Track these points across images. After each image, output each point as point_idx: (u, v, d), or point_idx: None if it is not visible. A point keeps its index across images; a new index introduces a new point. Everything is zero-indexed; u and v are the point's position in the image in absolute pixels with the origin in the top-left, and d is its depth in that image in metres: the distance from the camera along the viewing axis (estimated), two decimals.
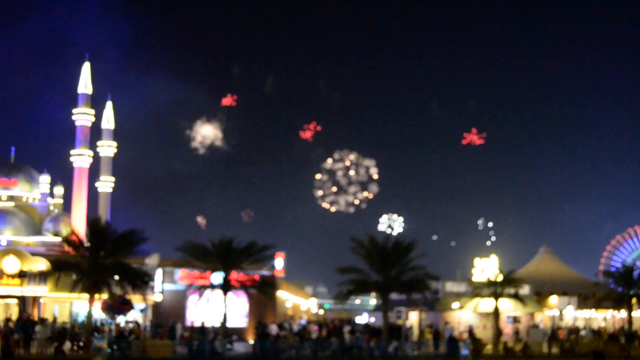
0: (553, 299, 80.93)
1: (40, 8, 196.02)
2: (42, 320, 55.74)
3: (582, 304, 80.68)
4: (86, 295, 51.81)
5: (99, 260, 51.50)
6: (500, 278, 67.66)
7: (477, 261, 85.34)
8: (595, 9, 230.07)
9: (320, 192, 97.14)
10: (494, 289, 64.99)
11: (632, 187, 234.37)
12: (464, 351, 55.03)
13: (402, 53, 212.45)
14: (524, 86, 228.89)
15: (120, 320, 55.66)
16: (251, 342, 56.22)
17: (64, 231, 70.42)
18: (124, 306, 52.82)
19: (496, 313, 65.11)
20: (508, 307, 68.58)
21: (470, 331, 62.49)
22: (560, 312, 79.76)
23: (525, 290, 71.76)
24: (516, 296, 66.92)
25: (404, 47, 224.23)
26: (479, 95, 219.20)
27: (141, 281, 53.46)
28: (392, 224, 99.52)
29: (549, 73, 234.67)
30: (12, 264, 62.83)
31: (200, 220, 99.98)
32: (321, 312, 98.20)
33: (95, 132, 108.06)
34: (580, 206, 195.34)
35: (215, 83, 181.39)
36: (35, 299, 63.19)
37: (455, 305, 75.04)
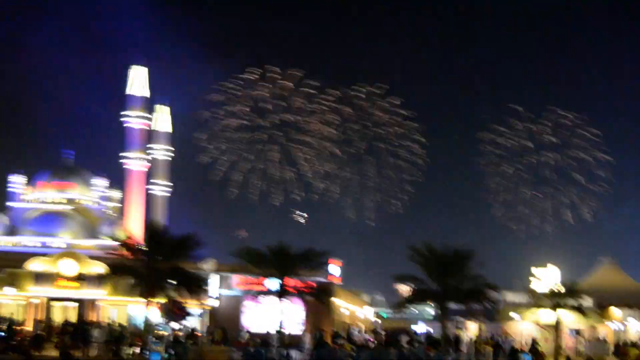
0: (617, 312, 79.39)
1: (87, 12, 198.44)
2: (100, 324, 56.36)
3: None
4: (143, 299, 52.18)
5: (156, 264, 51.67)
6: (561, 288, 66.69)
7: (535, 270, 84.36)
8: None
9: None
10: (556, 300, 63.98)
11: None
12: None
13: None
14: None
15: (176, 325, 56.04)
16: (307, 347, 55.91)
17: (121, 235, 71.16)
18: (181, 312, 53.19)
19: (557, 325, 64.14)
20: (569, 319, 67.52)
21: (533, 344, 61.39)
22: (625, 325, 78.17)
23: (587, 302, 70.54)
24: (578, 308, 65.84)
25: None
26: None
27: (197, 286, 53.57)
28: None
29: None
30: (70, 267, 63.71)
31: (242, 233, 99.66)
32: (379, 320, 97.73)
33: (150, 134, 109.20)
34: None
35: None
36: (93, 302, 63.94)
37: (515, 316, 74.14)
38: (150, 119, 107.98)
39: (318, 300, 60.86)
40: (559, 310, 63.84)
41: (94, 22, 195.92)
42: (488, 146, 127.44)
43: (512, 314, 74.47)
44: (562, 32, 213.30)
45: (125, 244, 55.37)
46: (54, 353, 46.80)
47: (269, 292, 57.12)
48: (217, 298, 67.41)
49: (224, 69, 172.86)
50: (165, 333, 53.85)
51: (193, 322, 62.14)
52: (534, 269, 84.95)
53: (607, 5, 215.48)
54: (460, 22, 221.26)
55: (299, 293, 57.95)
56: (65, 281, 63.34)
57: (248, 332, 59.06)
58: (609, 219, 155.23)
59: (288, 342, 54.47)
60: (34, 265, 64.29)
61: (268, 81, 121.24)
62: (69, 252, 67.76)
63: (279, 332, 54.57)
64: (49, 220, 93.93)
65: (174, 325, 55.56)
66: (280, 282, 55.84)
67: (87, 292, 63.52)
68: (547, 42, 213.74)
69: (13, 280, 63.01)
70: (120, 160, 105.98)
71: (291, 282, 56.35)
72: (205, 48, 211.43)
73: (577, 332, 70.69)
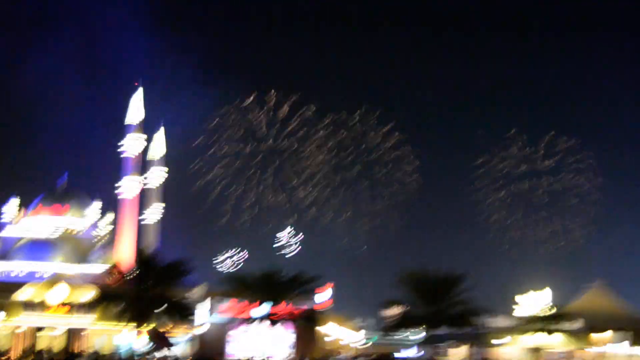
0: (606, 335, 79.47)
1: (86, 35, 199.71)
2: (85, 352, 56.37)
3: (637, 339, 79.08)
4: (131, 326, 52.17)
5: (146, 290, 51.74)
6: (550, 312, 67.02)
7: (524, 295, 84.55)
8: None
9: None
10: (543, 324, 64.08)
11: None
12: None
13: None
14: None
15: (161, 353, 55.93)
16: None
17: (111, 261, 71.22)
18: (163, 341, 53.21)
19: (543, 350, 64.38)
20: (557, 342, 67.60)
21: None
22: (613, 348, 78.25)
23: (576, 325, 70.69)
24: (567, 332, 66.03)
25: None
26: None
27: (185, 314, 53.65)
28: None
29: None
30: (59, 294, 63.75)
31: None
32: (369, 346, 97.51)
33: (144, 158, 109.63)
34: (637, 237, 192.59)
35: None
36: (81, 331, 63.87)
37: (503, 341, 74.21)
38: (145, 141, 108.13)
39: (307, 327, 60.99)
40: (545, 334, 64.08)
41: (92, 48, 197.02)
42: (482, 169, 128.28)
43: (498, 340, 74.68)
44: (558, 58, 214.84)
45: (114, 271, 55.58)
46: None
47: (254, 319, 57.09)
48: (204, 324, 67.47)
49: (221, 93, 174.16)
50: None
51: (180, 348, 62.16)
52: (517, 297, 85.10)
53: (604, 32, 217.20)
54: (459, 47, 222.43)
55: (289, 319, 58.07)
56: (55, 308, 63.32)
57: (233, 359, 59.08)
58: (601, 242, 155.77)
59: None
60: (23, 294, 64.29)
61: (263, 106, 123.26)
62: (58, 279, 67.73)
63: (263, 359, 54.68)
64: (38, 247, 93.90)
65: (159, 354, 55.44)
66: (269, 307, 55.94)
67: (75, 321, 63.54)
68: (543, 66, 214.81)
69: (2, 309, 62.99)
70: (115, 187, 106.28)
71: (280, 307, 56.45)
72: (202, 72, 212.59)
73: (565, 357, 70.79)
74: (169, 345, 54.53)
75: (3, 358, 52.92)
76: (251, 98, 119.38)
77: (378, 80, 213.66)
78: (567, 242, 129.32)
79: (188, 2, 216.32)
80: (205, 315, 67.79)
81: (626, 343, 78.91)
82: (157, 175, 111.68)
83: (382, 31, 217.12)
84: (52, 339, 64.47)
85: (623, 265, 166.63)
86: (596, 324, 79.66)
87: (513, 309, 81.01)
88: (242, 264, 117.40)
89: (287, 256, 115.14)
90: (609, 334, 79.05)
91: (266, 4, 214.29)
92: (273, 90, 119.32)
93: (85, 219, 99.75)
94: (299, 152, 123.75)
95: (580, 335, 70.99)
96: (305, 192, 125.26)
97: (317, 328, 64.89)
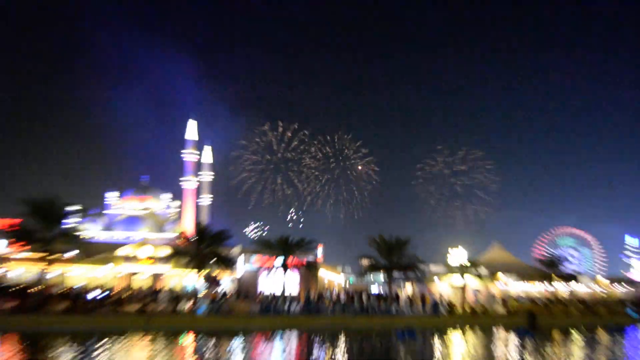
0: (502, 276, 79.96)
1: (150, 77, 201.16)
2: (164, 289, 56.56)
3: (521, 279, 79.67)
4: (193, 272, 52.45)
5: (201, 249, 51.97)
6: (467, 263, 67.38)
7: (450, 250, 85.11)
8: None
9: None
10: (463, 270, 64.64)
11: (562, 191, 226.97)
12: (442, 310, 54.70)
13: None
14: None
15: (214, 289, 56.24)
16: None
17: (179, 230, 71.41)
18: (214, 282, 53.55)
19: (463, 287, 64.72)
20: (472, 281, 68.12)
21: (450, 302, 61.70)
22: (507, 285, 78.82)
23: (483, 270, 71.21)
24: (478, 274, 66.49)
25: None
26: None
27: (228, 263, 53.91)
28: None
29: None
30: (145, 251, 63.96)
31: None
32: (348, 284, 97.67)
33: (198, 165, 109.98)
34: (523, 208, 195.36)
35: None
36: (160, 275, 64.11)
37: (436, 280, 74.61)
38: (199, 154, 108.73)
39: (308, 272, 61.31)
40: (465, 276, 64.59)
41: (162, 91, 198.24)
42: (421, 170, 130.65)
43: (435, 278, 75.02)
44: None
45: (181, 236, 55.83)
46: (133, 308, 46.89)
47: (276, 267, 57.41)
48: (242, 270, 67.69)
49: (248, 120, 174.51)
50: (207, 292, 53.92)
51: (226, 286, 62.44)
52: (449, 249, 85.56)
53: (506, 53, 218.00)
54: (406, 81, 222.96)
55: (296, 267, 58.43)
56: (142, 260, 63.54)
57: (262, 292, 59.13)
58: (497, 218, 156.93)
59: (289, 299, 54.90)
60: (121, 251, 64.50)
61: (275, 131, 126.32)
62: (145, 242, 67.91)
63: (282, 292, 54.95)
64: (131, 221, 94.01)
65: (212, 290, 55.73)
66: (284, 260, 56.29)
67: (157, 268, 63.70)
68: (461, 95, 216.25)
69: (108, 261, 63.19)
70: (180, 182, 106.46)
71: (290, 260, 56.80)
72: (233, 107, 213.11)
73: (476, 290, 71.24)
74: (218, 284, 54.81)
75: (111, 293, 52.80)
76: (266, 126, 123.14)
77: (352, 112, 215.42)
78: (475, 218, 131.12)
79: (225, 60, 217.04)
80: (242, 265, 67.96)
81: (512, 281, 79.64)
82: (207, 175, 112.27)
83: (350, 73, 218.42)
84: (141, 281, 64.61)
85: (511, 232, 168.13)
86: (495, 269, 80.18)
87: (445, 260, 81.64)
88: (264, 232, 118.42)
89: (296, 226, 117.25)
90: (503, 276, 79.69)
91: (272, 59, 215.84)
92: (280, 122, 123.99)
93: (161, 203, 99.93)
94: (299, 160, 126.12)
95: (485, 277, 71.52)
96: (303, 187, 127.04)
97: (316, 273, 64.88)
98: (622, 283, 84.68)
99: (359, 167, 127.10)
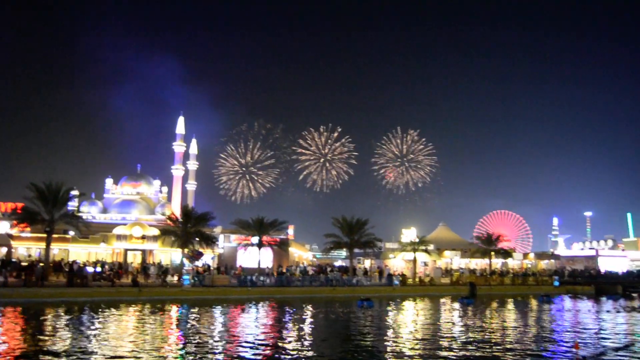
0: (447, 253, 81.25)
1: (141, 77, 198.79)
2: (154, 264, 56.06)
3: (464, 255, 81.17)
4: (179, 249, 52.03)
5: (187, 229, 51.62)
6: (417, 240, 68.19)
7: (404, 230, 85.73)
8: None
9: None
10: (413, 247, 65.43)
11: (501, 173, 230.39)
12: (396, 282, 55.45)
13: None
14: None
15: (197, 263, 55.92)
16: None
17: (167, 212, 70.66)
18: (198, 256, 53.15)
19: (414, 260, 65.58)
20: (421, 257, 69.07)
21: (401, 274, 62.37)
22: (451, 260, 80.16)
23: (431, 247, 72.23)
24: (426, 250, 67.36)
25: None
26: None
27: (210, 241, 53.61)
28: None
29: None
30: (138, 231, 63.16)
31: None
32: (315, 259, 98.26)
33: (186, 154, 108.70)
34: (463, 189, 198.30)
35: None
36: (151, 251, 63.45)
37: (391, 256, 75.37)
38: (186, 146, 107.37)
39: (280, 249, 61.34)
40: (416, 252, 65.37)
41: (156, 90, 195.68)
42: (376, 156, 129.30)
43: (390, 254, 75.73)
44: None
45: (169, 218, 55.31)
46: (127, 280, 46.57)
47: (252, 244, 57.32)
48: (222, 248, 67.41)
49: (229, 116, 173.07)
50: (191, 268, 53.65)
51: (208, 261, 62.17)
52: (403, 229, 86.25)
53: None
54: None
55: (270, 245, 58.42)
56: (135, 239, 62.75)
57: (240, 266, 59.06)
58: (442, 199, 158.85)
59: (264, 272, 54.90)
60: (116, 230, 63.60)
61: (252, 128, 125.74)
62: (137, 222, 67.02)
63: (258, 267, 54.94)
64: (126, 204, 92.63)
65: (196, 263, 55.42)
66: (259, 238, 56.23)
67: (148, 246, 62.99)
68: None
69: (105, 239, 62.29)
70: (170, 170, 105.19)
71: (265, 238, 56.77)
72: (217, 104, 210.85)
73: (425, 264, 72.24)
74: (201, 256, 54.45)
75: (106, 268, 52.14)
76: (244, 125, 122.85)
77: (325, 108, 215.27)
78: (422, 199, 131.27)
79: (211, 60, 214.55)
80: (222, 243, 67.66)
81: (457, 257, 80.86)
82: (193, 164, 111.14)
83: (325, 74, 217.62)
84: (134, 256, 63.87)
85: (455, 213, 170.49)
86: (441, 247, 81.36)
87: (399, 238, 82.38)
88: (243, 212, 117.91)
89: (269, 207, 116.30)
90: (448, 252, 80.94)
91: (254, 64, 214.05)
92: (256, 120, 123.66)
93: (152, 188, 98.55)
94: (275, 154, 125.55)
95: (433, 253, 72.57)
96: (278, 175, 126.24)
97: (287, 249, 64.94)
98: (549, 259, 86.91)
99: (339, 165, 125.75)
